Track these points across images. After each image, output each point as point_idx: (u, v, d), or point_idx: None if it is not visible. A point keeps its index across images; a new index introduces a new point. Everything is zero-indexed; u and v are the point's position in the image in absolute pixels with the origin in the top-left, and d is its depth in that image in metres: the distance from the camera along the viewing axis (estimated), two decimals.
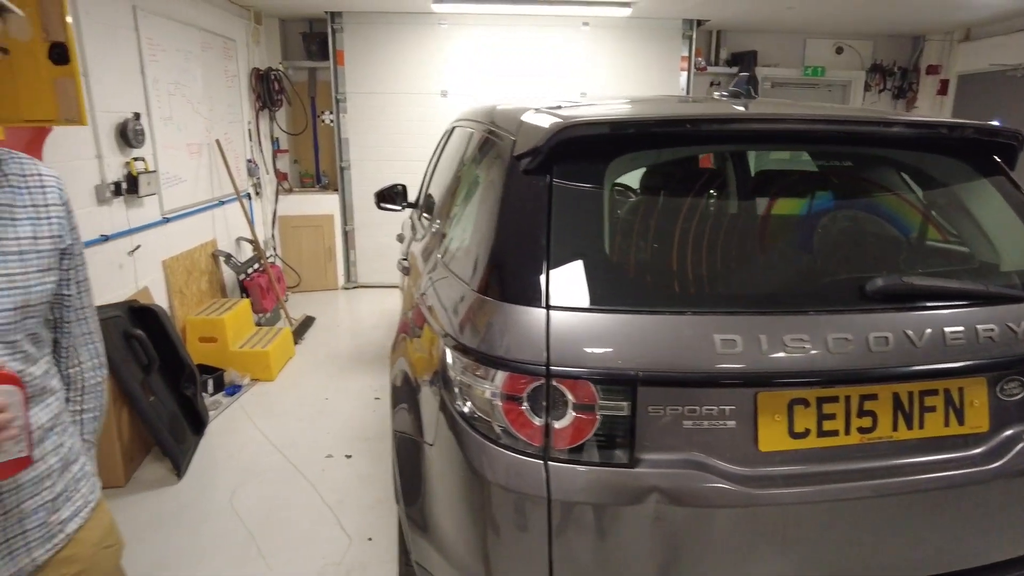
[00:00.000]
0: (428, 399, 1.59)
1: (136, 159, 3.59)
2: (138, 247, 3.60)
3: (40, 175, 1.08)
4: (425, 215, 2.93)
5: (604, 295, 1.32)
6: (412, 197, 3.72)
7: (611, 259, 1.41)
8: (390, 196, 3.65)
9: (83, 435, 1.21)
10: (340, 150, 6.14)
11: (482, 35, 5.92)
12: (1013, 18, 5.67)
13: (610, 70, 6.13)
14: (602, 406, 1.26)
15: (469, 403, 1.37)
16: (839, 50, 6.72)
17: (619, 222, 1.45)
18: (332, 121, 6.24)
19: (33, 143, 2.72)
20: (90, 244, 3.18)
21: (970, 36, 6.25)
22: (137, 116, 3.59)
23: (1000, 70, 5.79)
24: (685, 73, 6.22)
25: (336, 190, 6.26)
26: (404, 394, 1.83)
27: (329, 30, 5.79)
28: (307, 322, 5.14)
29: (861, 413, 1.33)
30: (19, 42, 2.14)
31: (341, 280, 6.44)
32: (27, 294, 1.00)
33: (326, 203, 6.21)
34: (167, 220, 3.95)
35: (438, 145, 3.48)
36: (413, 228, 3.09)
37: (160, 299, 3.82)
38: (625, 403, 1.25)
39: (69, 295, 1.15)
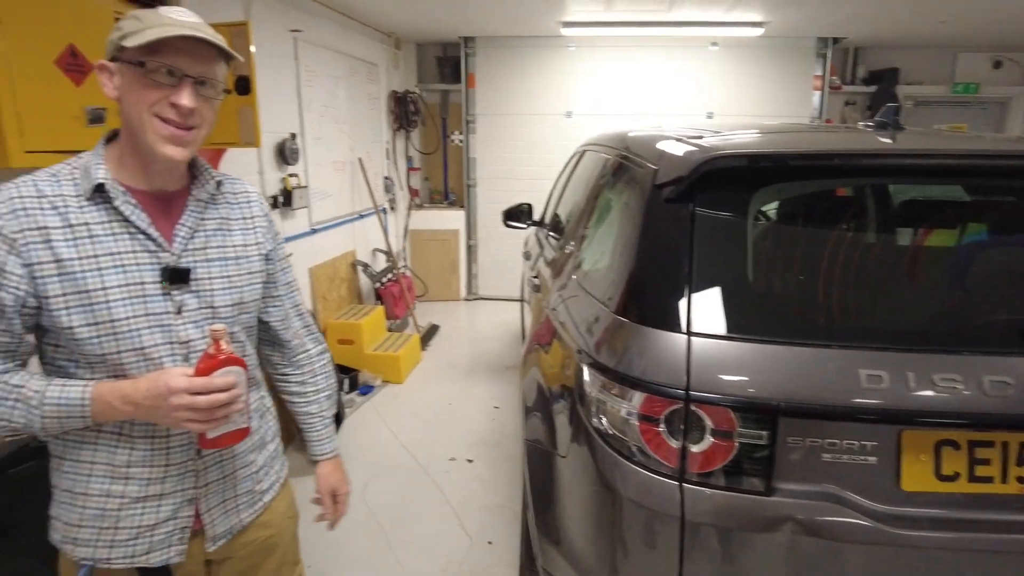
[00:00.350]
0: (562, 411, 1.67)
1: (291, 175, 3.98)
2: (290, 255, 3.96)
3: (247, 192, 1.26)
4: (553, 234, 3.04)
5: (746, 324, 1.35)
6: (536, 215, 3.86)
7: (754, 289, 1.43)
8: (516, 214, 3.81)
9: (321, 412, 1.41)
10: (467, 169, 6.43)
11: (608, 57, 6.00)
12: None
13: (738, 91, 6.01)
14: (741, 433, 1.28)
15: (604, 420, 1.44)
16: (997, 64, 6.19)
17: (762, 251, 1.47)
18: (461, 141, 6.54)
19: (212, 162, 3.10)
20: None
21: None
22: (293, 136, 3.98)
23: None
24: (819, 93, 5.98)
25: (462, 207, 6.54)
26: (536, 404, 1.93)
27: (462, 54, 6.10)
28: (432, 330, 5.41)
29: (1022, 462, 1.27)
30: None
31: (463, 292, 6.71)
32: (241, 293, 1.17)
33: (453, 219, 6.52)
34: (314, 231, 4.33)
35: (566, 167, 3.60)
36: (540, 246, 3.21)
37: (306, 302, 4.18)
38: (764, 432, 1.27)
39: (279, 295, 1.31)
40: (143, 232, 1.04)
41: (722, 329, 1.34)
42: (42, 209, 0.99)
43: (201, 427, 1.01)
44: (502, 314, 6.11)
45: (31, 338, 1.06)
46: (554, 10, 4.79)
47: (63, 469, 1.10)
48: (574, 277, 2.03)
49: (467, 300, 6.69)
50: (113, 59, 1.01)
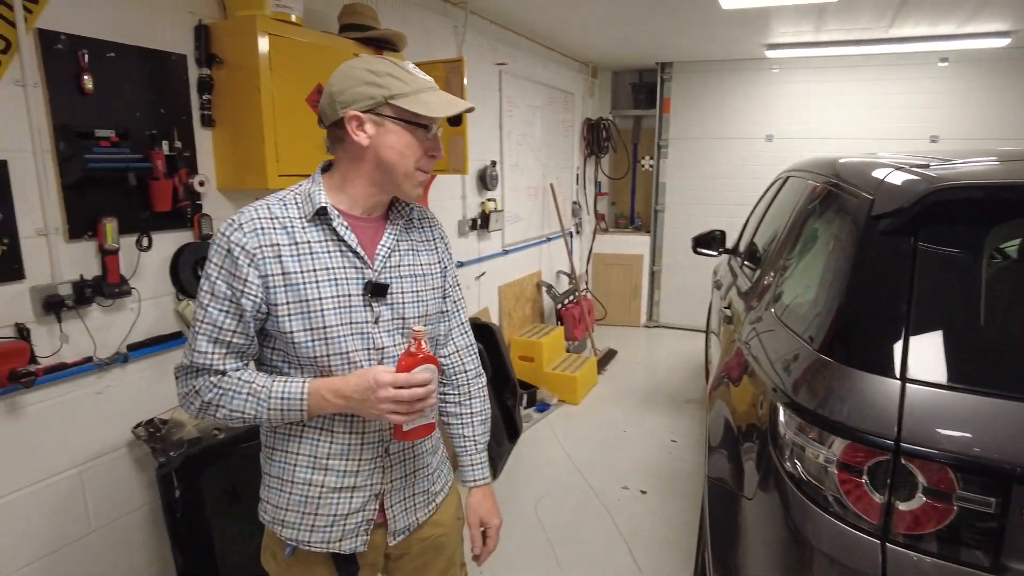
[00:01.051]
0: (751, 451, 1.60)
1: (489, 200, 4.24)
2: (483, 273, 4.23)
3: (431, 218, 1.38)
4: (748, 263, 2.91)
5: (974, 374, 1.20)
6: (730, 243, 3.72)
7: (987, 336, 1.27)
8: (707, 241, 3.69)
9: (474, 436, 1.44)
10: (656, 193, 6.37)
11: (816, 78, 5.64)
12: None
13: (968, 111, 5.31)
14: (962, 497, 1.14)
15: (799, 464, 1.35)
16: None
17: (998, 294, 1.30)
18: (651, 166, 6.52)
19: (424, 188, 3.41)
20: None
21: None
22: (493, 163, 4.24)
23: None
24: None
25: (648, 232, 6.49)
26: (723, 441, 1.86)
27: (658, 80, 6.09)
28: (610, 354, 5.41)
29: None
30: None
31: (643, 318, 6.63)
32: (426, 306, 1.28)
33: (637, 244, 6.49)
34: (506, 252, 4.56)
35: (765, 193, 3.43)
36: (733, 275, 3.08)
37: (494, 318, 4.42)
38: (993, 500, 1.12)
39: (447, 310, 1.40)
40: (352, 251, 1.18)
41: (944, 377, 1.21)
42: (274, 229, 1.14)
43: (401, 419, 1.11)
44: (683, 344, 5.94)
45: (257, 341, 1.20)
46: (758, 33, 4.62)
47: (273, 458, 1.25)
48: (771, 310, 1.93)
49: (647, 327, 6.60)
50: (368, 110, 1.13)
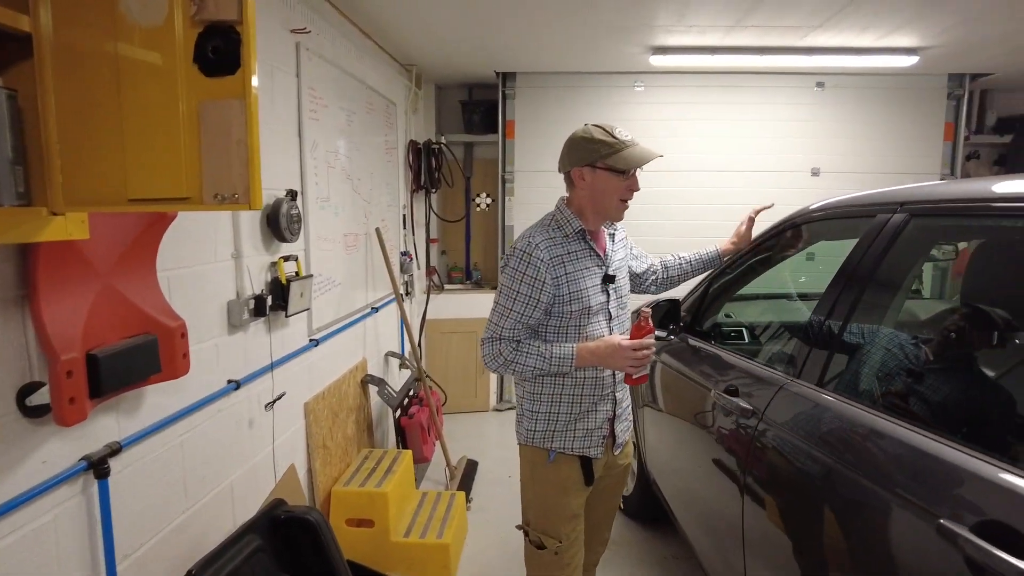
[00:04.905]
0: None
1: (286, 258, 2.43)
2: (282, 395, 2.37)
3: (620, 228, 1.97)
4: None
5: None
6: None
7: None
8: (674, 315, 2.38)
9: (689, 257, 2.20)
10: (503, 239, 4.96)
11: (687, 98, 4.71)
12: None
13: (848, 141, 4.74)
14: None
15: None
16: None
17: None
18: (489, 205, 5.13)
19: (149, 233, 1.54)
20: (209, 401, 1.96)
21: None
22: (292, 195, 2.45)
23: None
24: (950, 144, 4.74)
25: (494, 287, 5.03)
26: None
27: (500, 96, 4.73)
28: (470, 470, 3.77)
29: None
30: None
31: (493, 399, 5.11)
32: (628, 286, 1.93)
33: (481, 303, 4.99)
34: (315, 343, 2.74)
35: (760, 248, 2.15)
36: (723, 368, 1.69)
37: (298, 460, 2.56)
38: None
39: (642, 259, 2.15)
40: (597, 254, 1.78)
41: None
42: (554, 245, 1.70)
43: (633, 370, 1.68)
44: None
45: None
46: (645, 33, 3.47)
47: (542, 399, 1.80)
48: None
49: (498, 411, 5.09)
50: (588, 164, 1.71)
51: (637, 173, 1.74)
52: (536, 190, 4.88)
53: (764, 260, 2.23)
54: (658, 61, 3.96)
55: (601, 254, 1.78)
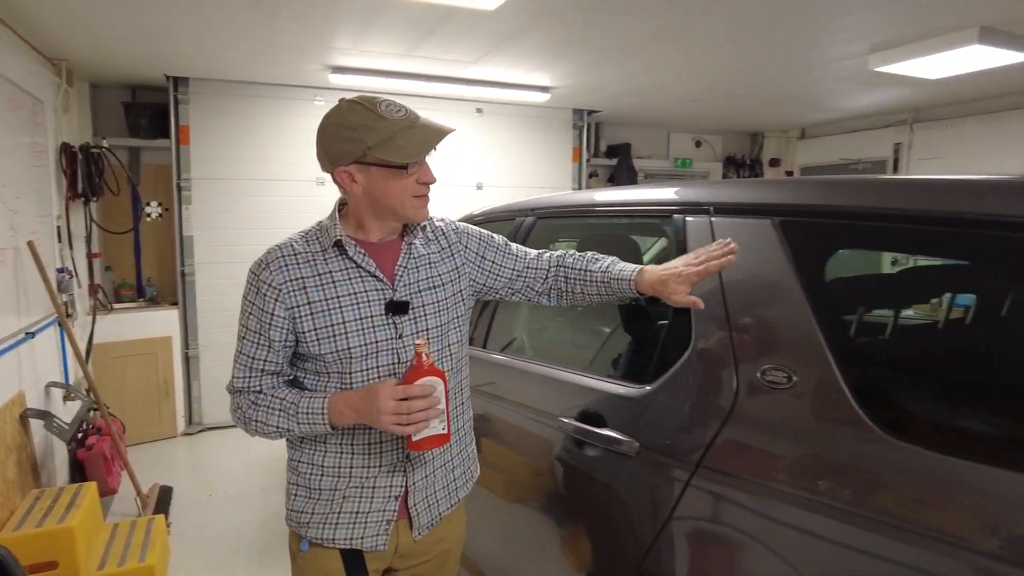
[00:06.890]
0: None
1: None
2: None
3: (442, 228, 1.44)
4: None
5: None
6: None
7: None
8: None
9: (600, 266, 1.44)
10: (182, 251, 4.70)
11: None
12: (841, 121, 6.41)
13: (504, 159, 5.66)
14: None
15: None
16: (698, 143, 7.08)
17: None
18: (160, 215, 4.82)
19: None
20: None
21: (806, 135, 6.97)
22: None
23: (843, 163, 6.46)
24: (577, 164, 5.99)
25: (174, 304, 4.74)
26: None
27: (171, 100, 4.49)
28: (164, 495, 3.56)
29: None
30: None
31: (181, 424, 4.80)
32: (448, 312, 1.37)
33: (160, 322, 4.66)
34: None
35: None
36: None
37: None
38: None
39: (517, 258, 1.51)
40: (372, 275, 1.27)
41: None
42: (298, 264, 1.25)
43: (404, 429, 1.16)
44: (256, 445, 4.43)
45: (287, 362, 1.30)
46: (322, 52, 3.73)
47: (300, 470, 1.34)
48: None
49: (188, 434, 4.80)
50: (355, 161, 1.22)
51: (428, 159, 1.27)
52: (218, 198, 4.75)
53: None
54: (337, 80, 4.24)
55: (379, 274, 1.26)
